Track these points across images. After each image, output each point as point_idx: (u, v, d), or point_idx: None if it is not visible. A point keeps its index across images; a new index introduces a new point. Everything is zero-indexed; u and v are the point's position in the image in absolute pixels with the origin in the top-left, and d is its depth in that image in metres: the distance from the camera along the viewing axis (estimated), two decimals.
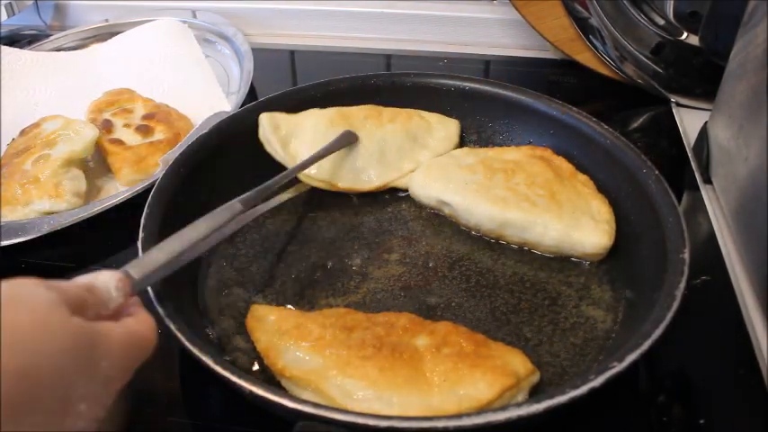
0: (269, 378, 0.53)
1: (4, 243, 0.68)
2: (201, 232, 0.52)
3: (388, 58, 1.09)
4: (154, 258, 0.47)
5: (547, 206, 0.64)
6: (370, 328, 0.53)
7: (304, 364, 0.51)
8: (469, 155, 0.73)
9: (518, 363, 0.51)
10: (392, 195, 0.74)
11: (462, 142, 0.80)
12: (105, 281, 0.41)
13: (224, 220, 0.55)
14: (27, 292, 0.34)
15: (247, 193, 0.60)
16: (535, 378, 0.52)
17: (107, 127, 0.84)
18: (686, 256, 0.53)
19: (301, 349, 0.52)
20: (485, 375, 0.49)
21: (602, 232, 0.63)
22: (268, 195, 0.65)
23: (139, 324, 0.41)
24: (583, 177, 0.70)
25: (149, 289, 0.53)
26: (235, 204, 0.57)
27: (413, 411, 0.47)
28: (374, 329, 0.53)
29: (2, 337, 0.30)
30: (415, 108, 0.79)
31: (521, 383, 0.50)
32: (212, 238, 0.56)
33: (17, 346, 0.31)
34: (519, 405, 0.43)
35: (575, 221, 0.63)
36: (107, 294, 0.40)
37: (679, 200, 0.61)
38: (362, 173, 0.73)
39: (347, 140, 0.72)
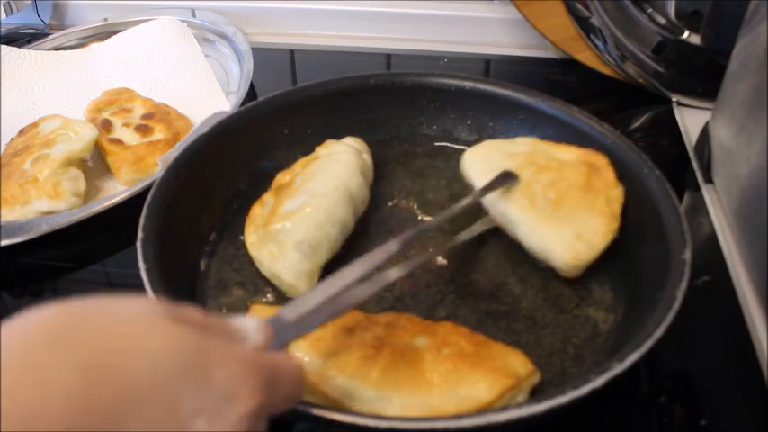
0: None
1: (3, 243, 0.68)
2: (356, 273, 0.49)
3: (388, 57, 1.09)
4: (306, 300, 0.45)
5: (542, 210, 0.62)
6: (370, 328, 0.53)
7: (303, 364, 0.50)
8: (527, 144, 0.70)
9: (518, 363, 0.51)
10: (392, 195, 0.74)
11: (462, 142, 0.79)
12: (243, 322, 0.38)
13: (380, 260, 0.51)
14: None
15: (406, 233, 0.55)
16: (536, 378, 0.52)
17: (106, 126, 0.83)
18: (687, 256, 0.53)
19: (301, 350, 0.51)
20: (485, 376, 0.49)
21: (574, 252, 0.59)
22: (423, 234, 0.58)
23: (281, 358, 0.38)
24: (615, 194, 0.64)
25: (149, 289, 0.52)
26: (391, 245, 0.53)
27: (413, 412, 0.47)
28: (374, 329, 0.53)
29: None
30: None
31: (521, 384, 0.50)
32: (372, 283, 0.50)
33: (98, 344, 0.30)
34: (519, 406, 0.43)
35: (557, 232, 0.61)
36: (242, 333, 0.38)
37: (680, 200, 0.61)
38: None
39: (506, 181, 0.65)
